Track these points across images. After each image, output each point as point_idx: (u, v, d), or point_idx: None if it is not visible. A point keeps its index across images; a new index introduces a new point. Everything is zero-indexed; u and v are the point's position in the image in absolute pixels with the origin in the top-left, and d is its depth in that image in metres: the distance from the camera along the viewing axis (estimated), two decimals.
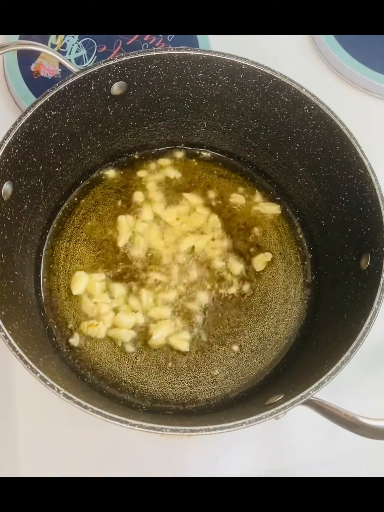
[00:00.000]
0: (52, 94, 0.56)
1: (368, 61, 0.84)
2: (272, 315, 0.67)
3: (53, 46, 0.78)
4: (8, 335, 0.49)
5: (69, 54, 0.78)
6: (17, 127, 0.55)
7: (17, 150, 0.56)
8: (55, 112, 0.58)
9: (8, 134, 0.54)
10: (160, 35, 0.81)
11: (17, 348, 0.48)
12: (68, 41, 0.79)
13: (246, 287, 0.68)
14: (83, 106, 0.61)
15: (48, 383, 0.47)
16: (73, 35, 0.79)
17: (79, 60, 0.78)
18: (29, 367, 0.48)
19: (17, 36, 0.74)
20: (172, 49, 0.60)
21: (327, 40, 0.86)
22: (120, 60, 0.59)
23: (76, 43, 0.79)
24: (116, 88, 0.61)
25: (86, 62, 0.78)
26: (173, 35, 0.81)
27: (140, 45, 0.80)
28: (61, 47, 0.78)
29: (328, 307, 0.64)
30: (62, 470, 0.63)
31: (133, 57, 0.59)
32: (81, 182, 0.71)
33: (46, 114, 0.57)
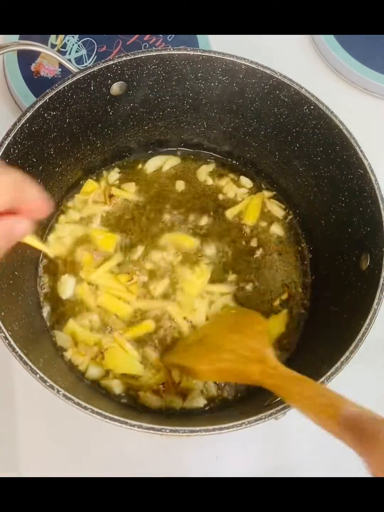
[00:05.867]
0: (51, 94, 0.56)
1: (368, 61, 0.84)
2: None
3: (53, 46, 0.78)
4: (8, 336, 0.49)
5: (69, 54, 0.78)
6: (17, 128, 0.55)
7: (16, 151, 0.56)
8: (54, 113, 0.58)
9: (7, 135, 0.54)
10: (160, 35, 0.81)
11: (17, 349, 0.48)
12: (68, 41, 0.79)
13: (248, 286, 0.68)
14: (83, 106, 0.61)
15: (48, 384, 0.48)
16: (73, 35, 0.79)
17: (79, 60, 0.78)
18: (29, 368, 0.48)
19: (17, 36, 0.74)
20: (171, 49, 0.60)
21: (327, 40, 0.86)
22: (119, 60, 0.58)
23: (76, 43, 0.79)
24: (116, 88, 0.61)
25: (86, 62, 0.78)
26: (173, 35, 0.81)
27: (140, 45, 0.80)
28: (61, 47, 0.78)
29: (328, 307, 0.64)
30: (62, 470, 0.63)
31: (133, 57, 0.59)
32: (81, 182, 0.71)
33: (45, 115, 0.57)
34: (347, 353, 0.51)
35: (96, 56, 0.79)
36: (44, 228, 0.68)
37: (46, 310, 0.65)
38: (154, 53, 0.59)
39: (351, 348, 0.51)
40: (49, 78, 0.76)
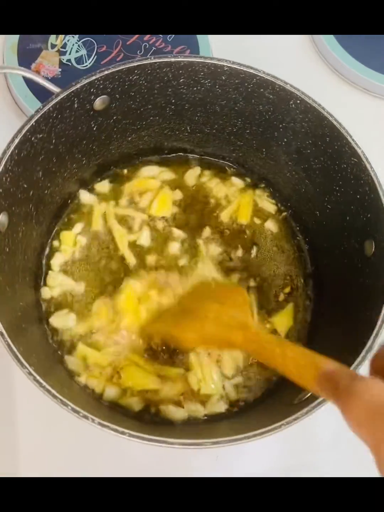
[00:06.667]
0: (37, 117, 0.55)
1: (368, 61, 0.85)
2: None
3: (53, 46, 0.77)
4: (32, 371, 0.47)
5: (69, 54, 0.77)
6: (7, 156, 0.53)
7: (8, 179, 0.54)
8: (41, 135, 0.56)
9: None
10: (160, 35, 0.80)
11: (43, 383, 0.47)
12: (68, 41, 0.78)
13: (251, 284, 0.68)
14: (68, 125, 0.59)
15: (81, 414, 0.47)
16: (73, 35, 0.78)
17: (79, 60, 0.77)
18: (59, 401, 0.47)
19: (17, 36, 0.74)
20: (152, 57, 0.59)
21: (327, 40, 0.86)
22: (101, 75, 0.57)
23: (76, 43, 0.78)
24: (99, 103, 0.60)
25: (86, 62, 0.77)
26: (173, 35, 0.80)
27: (140, 45, 0.79)
28: (61, 47, 0.77)
29: (335, 297, 0.65)
30: (62, 470, 0.62)
31: (114, 70, 0.58)
32: (69, 202, 0.69)
33: (32, 138, 0.56)
34: (369, 342, 0.51)
35: (96, 56, 0.78)
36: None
37: (55, 339, 0.63)
38: (135, 64, 0.58)
39: (373, 335, 0.52)
40: (49, 78, 0.75)
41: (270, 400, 0.62)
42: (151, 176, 0.72)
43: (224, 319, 0.55)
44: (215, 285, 0.66)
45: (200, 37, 0.80)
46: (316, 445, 0.68)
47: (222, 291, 0.63)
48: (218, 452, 0.65)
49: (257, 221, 0.72)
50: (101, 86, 0.58)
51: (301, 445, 0.67)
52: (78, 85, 0.57)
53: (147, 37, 0.80)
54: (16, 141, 0.54)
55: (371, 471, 0.60)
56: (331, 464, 0.67)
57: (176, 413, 0.62)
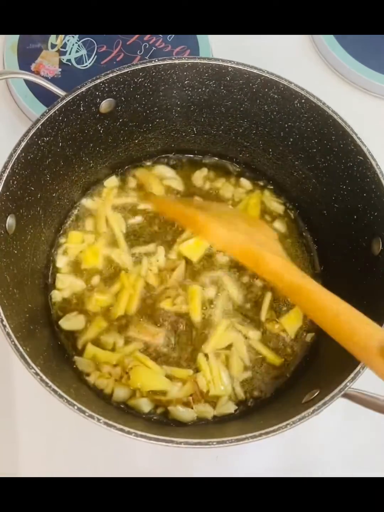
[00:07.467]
0: (43, 120, 0.55)
1: (368, 61, 0.85)
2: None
3: (53, 46, 0.78)
4: (38, 371, 0.48)
5: (69, 54, 0.78)
6: (13, 159, 0.54)
7: (15, 182, 0.55)
8: (47, 138, 0.57)
9: (5, 167, 0.53)
10: (160, 35, 0.81)
11: (50, 383, 0.47)
12: (68, 41, 0.79)
13: (259, 284, 0.68)
14: (74, 128, 0.60)
15: (87, 414, 0.47)
16: (73, 35, 0.79)
17: (79, 60, 0.78)
18: (65, 401, 0.47)
19: (17, 36, 0.75)
20: (156, 59, 0.59)
21: (327, 40, 0.86)
22: (106, 78, 0.58)
23: (76, 43, 0.79)
24: (105, 105, 0.61)
25: (86, 62, 0.78)
26: (173, 35, 0.81)
27: (140, 45, 0.80)
28: (61, 47, 0.78)
29: (344, 296, 0.64)
30: (62, 470, 0.63)
31: (119, 73, 0.58)
32: (77, 204, 0.70)
33: (39, 141, 0.56)
34: None
35: (96, 56, 0.79)
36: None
37: (64, 340, 0.64)
38: (140, 66, 0.59)
39: None
40: (49, 78, 0.76)
41: (280, 400, 0.62)
42: (160, 175, 0.73)
43: (256, 236, 0.56)
44: (245, 214, 0.67)
45: (200, 37, 0.80)
46: (316, 445, 0.67)
47: (252, 219, 0.64)
48: (218, 452, 0.65)
49: (265, 222, 0.71)
50: (107, 89, 0.59)
51: (301, 445, 0.67)
52: (84, 88, 0.57)
53: (147, 37, 0.81)
54: (23, 144, 0.54)
55: (371, 471, 0.60)
56: (331, 464, 0.66)
57: (185, 414, 0.62)
